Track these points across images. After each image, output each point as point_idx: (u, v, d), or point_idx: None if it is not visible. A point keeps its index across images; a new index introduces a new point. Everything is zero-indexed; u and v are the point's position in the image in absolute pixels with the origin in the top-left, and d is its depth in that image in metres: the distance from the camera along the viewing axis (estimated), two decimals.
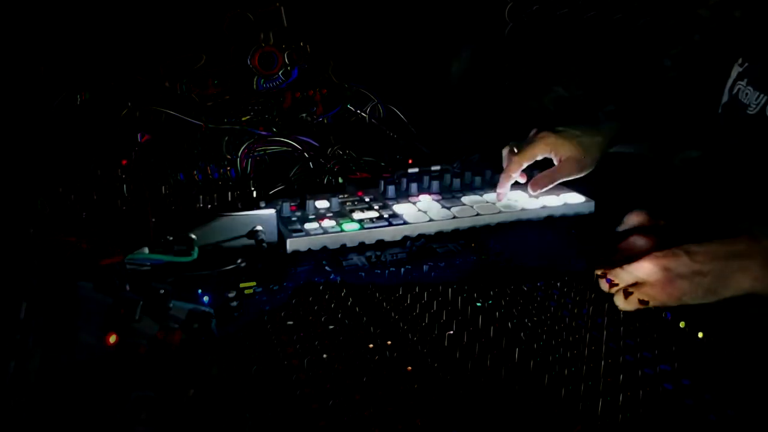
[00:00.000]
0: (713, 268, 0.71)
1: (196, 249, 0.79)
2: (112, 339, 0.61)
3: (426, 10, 1.49)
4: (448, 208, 0.99)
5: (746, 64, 0.99)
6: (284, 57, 1.36)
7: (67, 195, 0.93)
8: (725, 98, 1.02)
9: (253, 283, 0.78)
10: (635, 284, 0.72)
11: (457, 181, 1.09)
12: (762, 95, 0.93)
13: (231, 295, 0.75)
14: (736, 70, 1.01)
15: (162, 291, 0.69)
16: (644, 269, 0.71)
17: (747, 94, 0.97)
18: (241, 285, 0.77)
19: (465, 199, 1.04)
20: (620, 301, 0.73)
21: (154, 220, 0.86)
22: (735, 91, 0.99)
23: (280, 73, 1.37)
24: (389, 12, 1.49)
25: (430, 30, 1.50)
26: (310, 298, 0.73)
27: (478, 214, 0.98)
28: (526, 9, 1.43)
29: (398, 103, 1.43)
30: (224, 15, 1.38)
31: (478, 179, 1.10)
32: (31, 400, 0.52)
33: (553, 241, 0.93)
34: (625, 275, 0.73)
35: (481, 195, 1.05)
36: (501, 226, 0.97)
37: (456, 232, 0.95)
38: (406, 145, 1.33)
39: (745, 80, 0.98)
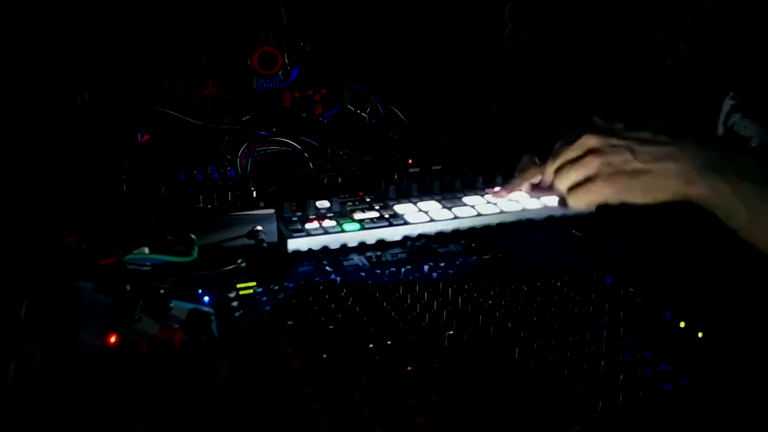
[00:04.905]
0: (653, 168, 0.76)
1: (196, 249, 0.79)
2: (112, 339, 0.61)
3: (426, 10, 1.49)
4: (449, 208, 0.99)
5: (739, 97, 0.98)
6: (284, 57, 1.36)
7: (67, 195, 0.93)
8: (720, 130, 1.00)
9: (253, 284, 0.78)
10: (584, 182, 0.81)
11: (457, 181, 1.09)
12: (762, 127, 0.92)
13: (231, 295, 0.75)
14: (728, 104, 0.99)
15: (162, 291, 0.69)
16: (591, 165, 0.79)
17: (745, 126, 0.95)
18: (240, 285, 0.77)
19: (466, 199, 1.04)
20: (572, 200, 0.84)
21: (153, 220, 0.86)
22: (730, 124, 0.98)
23: (279, 73, 1.37)
24: (389, 12, 1.49)
25: (430, 30, 1.50)
26: (310, 298, 0.73)
27: (479, 214, 0.97)
28: (527, 9, 1.43)
29: (399, 103, 1.42)
30: (224, 15, 1.38)
31: (478, 179, 1.10)
32: (31, 400, 0.52)
33: (554, 241, 0.93)
34: (573, 174, 0.81)
35: (482, 195, 1.05)
36: (502, 226, 0.97)
37: (456, 233, 0.95)
38: (406, 144, 1.33)
39: (740, 113, 0.96)
